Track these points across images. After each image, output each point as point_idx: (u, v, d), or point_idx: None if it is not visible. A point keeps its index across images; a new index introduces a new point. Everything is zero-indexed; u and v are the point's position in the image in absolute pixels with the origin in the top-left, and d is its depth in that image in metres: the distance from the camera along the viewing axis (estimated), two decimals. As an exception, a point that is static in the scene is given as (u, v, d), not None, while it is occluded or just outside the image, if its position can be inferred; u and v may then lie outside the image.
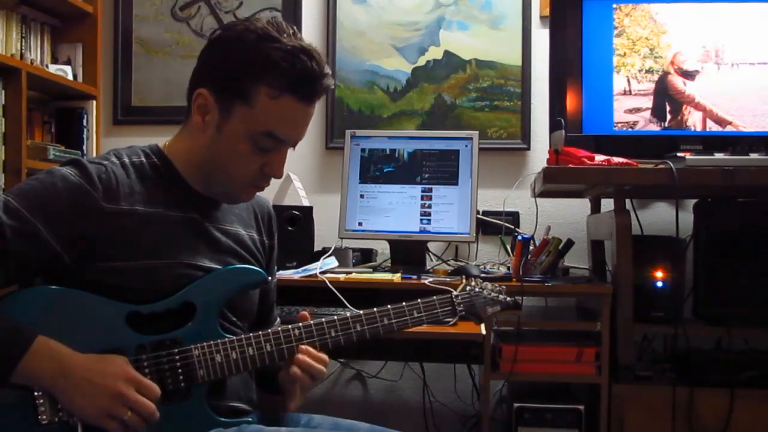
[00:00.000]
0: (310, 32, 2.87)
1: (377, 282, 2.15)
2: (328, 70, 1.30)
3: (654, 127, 2.31)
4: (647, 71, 2.31)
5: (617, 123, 2.32)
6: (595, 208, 2.57)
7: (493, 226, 2.68)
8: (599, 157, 2.06)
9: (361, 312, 1.36)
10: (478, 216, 2.54)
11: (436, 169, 2.47)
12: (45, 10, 2.78)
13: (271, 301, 1.56)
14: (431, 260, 2.61)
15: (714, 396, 1.99)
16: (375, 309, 1.37)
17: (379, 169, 2.51)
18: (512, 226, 2.65)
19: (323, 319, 1.34)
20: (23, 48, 2.67)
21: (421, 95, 2.83)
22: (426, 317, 1.40)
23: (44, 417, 1.17)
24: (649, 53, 2.31)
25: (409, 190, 2.48)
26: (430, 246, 2.59)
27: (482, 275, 2.17)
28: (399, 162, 2.50)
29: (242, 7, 2.93)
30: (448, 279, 2.13)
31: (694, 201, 2.24)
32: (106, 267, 1.24)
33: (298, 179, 2.67)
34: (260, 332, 1.30)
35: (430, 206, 2.46)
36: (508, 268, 2.36)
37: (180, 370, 1.24)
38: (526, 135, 2.77)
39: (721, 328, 2.09)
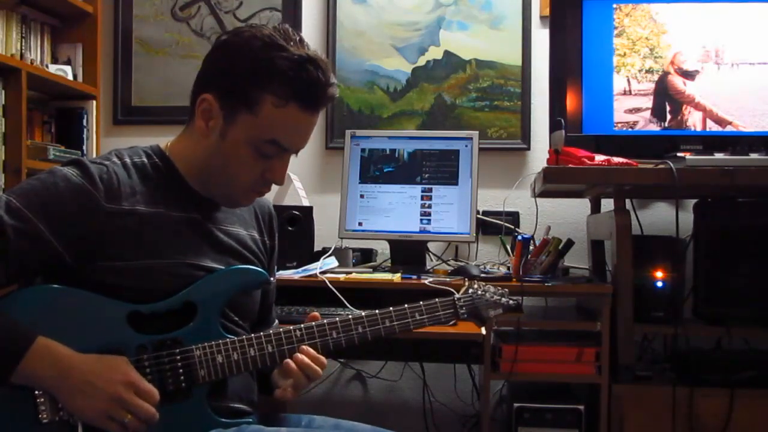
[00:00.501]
0: (310, 32, 2.87)
1: (377, 282, 2.15)
2: (333, 79, 1.30)
3: (654, 127, 2.31)
4: (647, 71, 2.31)
5: (617, 123, 2.32)
6: (595, 208, 2.57)
7: (493, 226, 2.68)
8: (599, 157, 2.06)
9: (363, 313, 1.36)
10: (478, 216, 2.54)
11: (436, 169, 2.47)
12: (45, 10, 2.78)
13: (269, 302, 1.56)
14: (431, 260, 2.61)
15: (714, 396, 1.99)
16: (377, 311, 1.37)
17: (379, 169, 2.51)
18: (512, 226, 2.65)
19: (325, 321, 1.34)
20: (23, 48, 2.67)
21: (421, 95, 2.83)
22: (428, 319, 1.39)
23: (45, 416, 1.18)
24: (649, 53, 2.31)
25: (409, 190, 2.48)
26: (430, 246, 2.59)
27: (482, 275, 2.17)
28: (399, 162, 2.50)
29: (242, 7, 2.93)
30: (448, 279, 2.13)
31: (694, 201, 2.24)
32: (108, 267, 1.24)
33: (298, 179, 2.67)
34: (261, 333, 1.31)
35: (430, 206, 2.46)
36: (508, 268, 2.36)
37: (181, 371, 1.24)
38: (526, 135, 2.77)
39: (721, 328, 2.09)
